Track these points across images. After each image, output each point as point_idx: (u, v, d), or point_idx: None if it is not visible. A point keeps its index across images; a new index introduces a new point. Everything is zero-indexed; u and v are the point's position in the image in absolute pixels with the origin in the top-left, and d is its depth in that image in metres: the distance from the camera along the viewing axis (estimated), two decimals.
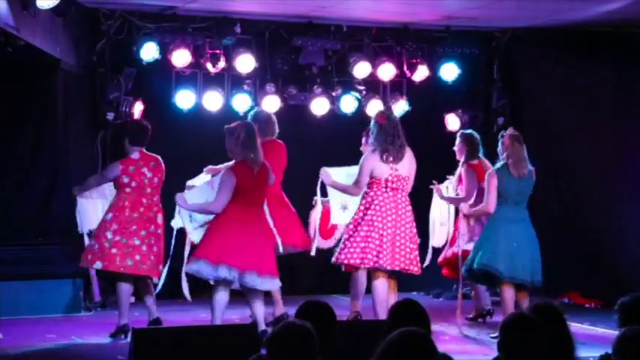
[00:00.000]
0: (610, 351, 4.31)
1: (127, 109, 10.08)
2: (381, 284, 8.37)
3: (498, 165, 8.47)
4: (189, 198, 8.03)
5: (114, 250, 8.29)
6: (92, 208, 8.79)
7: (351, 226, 8.44)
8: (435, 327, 5.16)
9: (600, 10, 9.77)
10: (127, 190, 8.37)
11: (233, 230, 7.79)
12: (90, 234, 8.64)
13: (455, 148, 9.34)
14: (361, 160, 8.44)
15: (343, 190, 8.62)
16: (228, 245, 7.76)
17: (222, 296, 7.95)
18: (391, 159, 8.36)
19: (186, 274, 8.07)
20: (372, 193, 8.41)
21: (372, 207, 8.38)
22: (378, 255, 8.30)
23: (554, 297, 10.10)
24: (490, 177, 8.43)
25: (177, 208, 8.12)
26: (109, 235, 8.30)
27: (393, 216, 8.38)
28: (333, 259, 8.47)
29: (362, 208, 8.44)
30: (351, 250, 8.35)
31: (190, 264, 7.88)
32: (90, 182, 8.74)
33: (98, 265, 8.37)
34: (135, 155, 8.43)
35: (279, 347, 3.94)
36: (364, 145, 8.81)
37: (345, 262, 8.42)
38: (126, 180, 8.37)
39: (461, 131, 9.70)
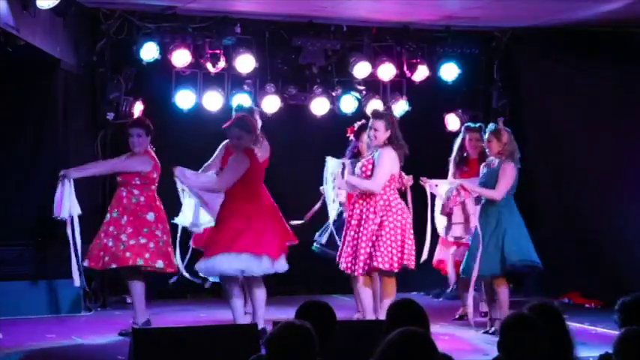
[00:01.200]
0: (610, 351, 4.31)
1: (127, 109, 10.08)
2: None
3: (512, 158, 8.50)
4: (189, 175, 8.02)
5: (169, 249, 8.38)
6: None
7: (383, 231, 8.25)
8: (434, 327, 5.17)
9: (600, 10, 9.77)
10: (153, 187, 8.45)
11: (260, 221, 7.87)
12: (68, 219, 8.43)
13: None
14: (383, 155, 8.28)
15: (359, 184, 8.35)
16: (262, 237, 7.82)
17: (239, 292, 7.94)
18: (402, 156, 8.38)
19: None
20: (388, 193, 8.33)
21: (396, 209, 8.28)
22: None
23: (554, 297, 10.11)
24: (511, 168, 8.45)
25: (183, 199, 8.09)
26: (159, 234, 8.34)
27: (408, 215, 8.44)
28: (385, 265, 8.22)
29: (382, 208, 8.26)
30: (397, 255, 8.25)
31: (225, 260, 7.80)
32: (98, 167, 8.62)
33: (160, 264, 8.34)
34: (152, 151, 8.53)
35: (278, 347, 3.94)
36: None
37: (389, 267, 8.24)
38: (155, 175, 8.46)
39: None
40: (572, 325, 4.57)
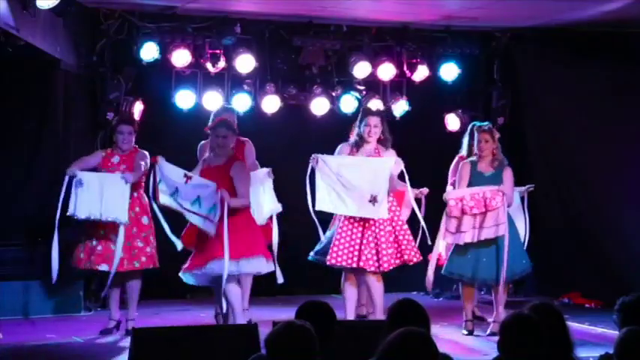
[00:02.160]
0: (610, 351, 4.31)
1: (127, 109, 10.09)
2: None
3: (505, 161, 8.62)
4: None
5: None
6: None
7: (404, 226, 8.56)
8: (434, 327, 5.16)
9: (600, 10, 9.77)
10: (143, 184, 8.64)
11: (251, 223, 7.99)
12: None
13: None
14: (396, 160, 8.48)
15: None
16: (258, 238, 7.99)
17: (238, 289, 7.98)
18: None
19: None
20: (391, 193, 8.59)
21: (396, 208, 8.59)
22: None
23: (554, 297, 10.11)
24: (512, 172, 8.57)
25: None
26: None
27: None
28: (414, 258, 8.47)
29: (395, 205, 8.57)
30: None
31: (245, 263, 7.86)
32: (134, 176, 8.55)
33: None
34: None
35: (278, 347, 3.94)
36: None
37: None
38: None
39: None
40: (572, 325, 4.56)
